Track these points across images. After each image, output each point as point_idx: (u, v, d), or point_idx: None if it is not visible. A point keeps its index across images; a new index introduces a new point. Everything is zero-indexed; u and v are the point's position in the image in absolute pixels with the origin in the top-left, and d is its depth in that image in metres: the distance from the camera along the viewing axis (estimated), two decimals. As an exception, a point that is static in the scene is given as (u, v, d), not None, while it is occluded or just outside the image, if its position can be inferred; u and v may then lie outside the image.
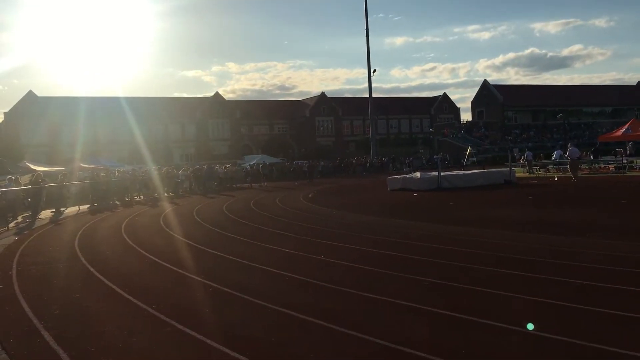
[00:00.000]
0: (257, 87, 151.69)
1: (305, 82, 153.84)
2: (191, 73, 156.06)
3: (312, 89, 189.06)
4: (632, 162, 32.42)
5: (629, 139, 36.04)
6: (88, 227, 15.74)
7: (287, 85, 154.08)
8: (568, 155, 26.65)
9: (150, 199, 27.23)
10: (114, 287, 7.53)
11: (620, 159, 32.75)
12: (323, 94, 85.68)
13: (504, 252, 8.79)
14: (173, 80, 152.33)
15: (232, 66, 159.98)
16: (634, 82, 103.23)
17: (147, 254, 10.27)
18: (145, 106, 69.16)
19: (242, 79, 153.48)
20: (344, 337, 5.04)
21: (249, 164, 48.45)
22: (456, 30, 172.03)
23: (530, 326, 4.80)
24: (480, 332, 5.01)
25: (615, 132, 38.26)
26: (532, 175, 33.01)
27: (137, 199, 27.58)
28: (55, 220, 18.83)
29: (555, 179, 26.15)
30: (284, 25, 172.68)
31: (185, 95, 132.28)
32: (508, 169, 28.05)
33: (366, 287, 6.85)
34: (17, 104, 66.11)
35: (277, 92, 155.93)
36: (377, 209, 17.65)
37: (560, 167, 32.70)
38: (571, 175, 25.92)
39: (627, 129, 35.12)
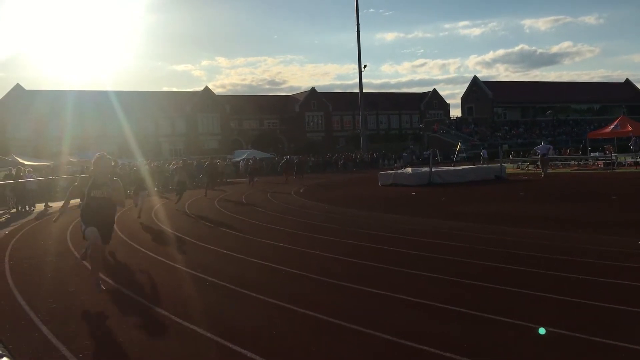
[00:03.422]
0: (247, 82, 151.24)
1: (296, 77, 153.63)
2: (181, 67, 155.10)
3: (303, 84, 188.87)
4: (621, 159, 32.78)
5: (618, 135, 36.41)
6: (78, 222, 15.59)
7: (277, 80, 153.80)
8: (538, 152, 27.06)
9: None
10: (108, 280, 7.50)
11: (609, 155, 33.09)
12: (313, 89, 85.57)
13: (500, 247, 8.85)
14: (162, 75, 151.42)
15: (222, 61, 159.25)
16: (622, 79, 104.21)
17: (141, 248, 10.23)
18: (134, 100, 68.74)
19: (232, 74, 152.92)
20: (342, 329, 5.05)
21: (242, 159, 48.25)
22: (447, 26, 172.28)
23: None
24: (482, 326, 5.04)
25: (604, 128, 38.61)
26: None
27: (128, 193, 27.37)
28: (45, 214, 18.70)
29: (542, 175, 26.39)
30: (274, 20, 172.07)
31: (174, 89, 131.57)
32: (499, 164, 28.25)
33: (362, 280, 6.87)
34: (4, 97, 65.39)
35: (267, 87, 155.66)
36: (369, 204, 17.68)
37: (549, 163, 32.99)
38: (542, 170, 26.48)
39: (616, 125, 35.47)
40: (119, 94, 66.85)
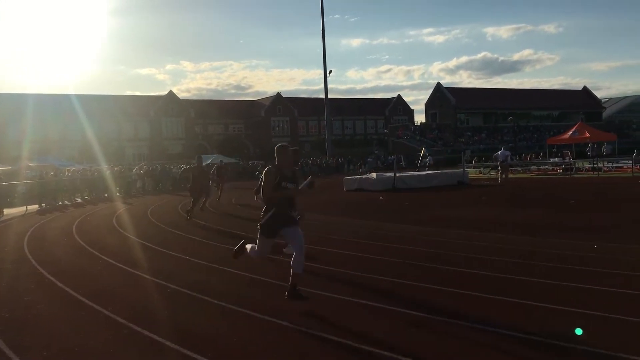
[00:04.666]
0: (212, 87, 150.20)
1: (261, 82, 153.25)
2: (144, 71, 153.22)
3: (268, 89, 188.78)
4: (579, 164, 33.67)
5: (576, 141, 37.35)
6: (37, 228, 15.27)
7: (242, 85, 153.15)
8: (498, 158, 27.63)
9: (101, 199, 26.61)
10: (66, 289, 7.33)
11: (568, 161, 33.94)
12: (279, 94, 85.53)
13: (463, 252, 8.96)
14: (126, 78, 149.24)
15: (187, 65, 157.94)
16: (580, 87, 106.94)
17: (101, 255, 10.03)
18: (96, 104, 67.51)
19: (198, 78, 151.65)
20: (306, 335, 5.05)
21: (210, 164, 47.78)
22: (411, 32, 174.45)
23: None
24: (444, 331, 5.10)
25: (563, 134, 39.54)
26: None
27: (87, 199, 26.92)
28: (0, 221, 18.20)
29: (499, 181, 26.92)
30: (240, 25, 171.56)
31: (138, 93, 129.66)
32: (461, 170, 28.68)
33: (324, 286, 6.87)
34: (-39, 100, 63.54)
35: (233, 91, 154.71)
36: (335, 209, 17.73)
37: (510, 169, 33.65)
38: (499, 176, 27.04)
39: (574, 131, 36.38)
40: (81, 97, 65.58)
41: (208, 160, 54.29)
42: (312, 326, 5.26)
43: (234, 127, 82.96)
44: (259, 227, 6.11)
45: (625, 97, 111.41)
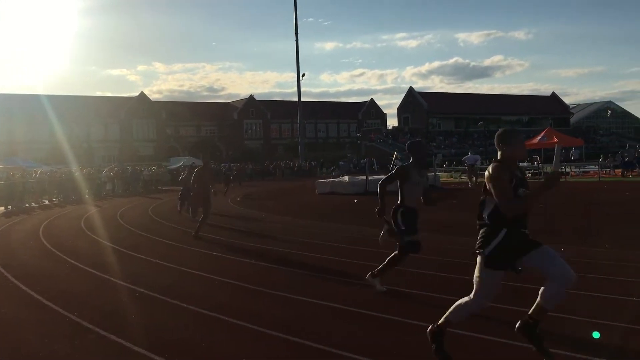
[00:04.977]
0: (184, 88, 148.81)
1: (235, 85, 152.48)
2: (115, 72, 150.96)
3: (241, 92, 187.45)
4: (547, 169, 34.25)
5: (544, 146, 38.04)
6: (2, 231, 14.94)
7: (215, 87, 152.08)
8: (466, 162, 28.04)
9: (70, 202, 26.16)
10: (32, 293, 7.18)
11: (537, 165, 34.56)
12: (252, 96, 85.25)
13: (441, 256, 9.03)
14: (96, 79, 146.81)
15: (159, 66, 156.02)
16: (549, 93, 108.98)
17: (68, 258, 9.85)
18: (66, 105, 66.26)
19: (170, 79, 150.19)
20: (273, 339, 5.02)
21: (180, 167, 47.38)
22: (384, 37, 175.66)
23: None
24: (409, 333, 5.13)
25: (532, 139, 40.19)
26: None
27: (56, 201, 26.44)
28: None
29: (470, 185, 27.29)
30: (213, 27, 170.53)
31: (109, 94, 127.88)
32: (433, 174, 28.93)
33: (298, 290, 6.86)
34: None
35: (206, 93, 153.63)
36: (306, 212, 17.72)
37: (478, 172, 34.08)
38: (470, 180, 27.42)
39: (543, 137, 37.07)
40: (50, 98, 64.25)
41: (180, 162, 54.01)
42: (284, 330, 5.23)
43: (207, 129, 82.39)
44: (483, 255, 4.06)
45: (592, 104, 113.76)
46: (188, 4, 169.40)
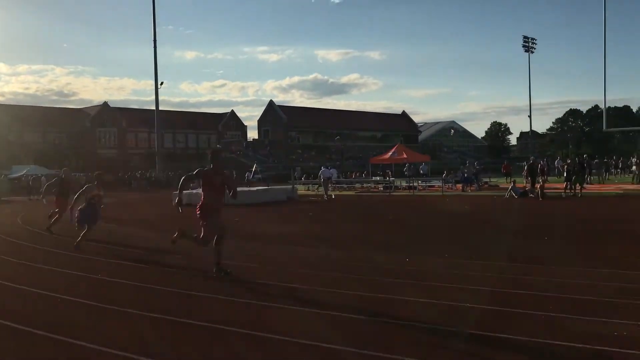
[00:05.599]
0: (31, 92, 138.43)
1: (88, 90, 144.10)
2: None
3: (95, 98, 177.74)
4: (397, 183, 36.51)
5: (395, 161, 40.51)
6: None
7: (65, 91, 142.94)
8: (320, 176, 29.26)
9: None
10: None
11: (388, 179, 36.65)
12: (106, 103, 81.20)
13: (293, 266, 9.28)
14: None
15: (1, 66, 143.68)
16: (400, 111, 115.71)
17: None
18: None
19: (13, 81, 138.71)
20: (105, 355, 4.93)
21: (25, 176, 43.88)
22: (246, 49, 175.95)
23: None
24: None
25: (384, 155, 42.62)
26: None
27: None
28: None
29: (325, 197, 28.28)
30: (64, 27, 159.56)
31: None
32: (291, 186, 29.60)
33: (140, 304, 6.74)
34: None
35: (55, 98, 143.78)
36: (162, 225, 17.26)
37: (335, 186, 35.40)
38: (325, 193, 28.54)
39: (394, 152, 39.48)
40: None
41: (23, 170, 50.01)
42: (114, 347, 5.14)
43: (55, 136, 77.02)
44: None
45: (438, 122, 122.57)
46: (35, 1, 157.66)
